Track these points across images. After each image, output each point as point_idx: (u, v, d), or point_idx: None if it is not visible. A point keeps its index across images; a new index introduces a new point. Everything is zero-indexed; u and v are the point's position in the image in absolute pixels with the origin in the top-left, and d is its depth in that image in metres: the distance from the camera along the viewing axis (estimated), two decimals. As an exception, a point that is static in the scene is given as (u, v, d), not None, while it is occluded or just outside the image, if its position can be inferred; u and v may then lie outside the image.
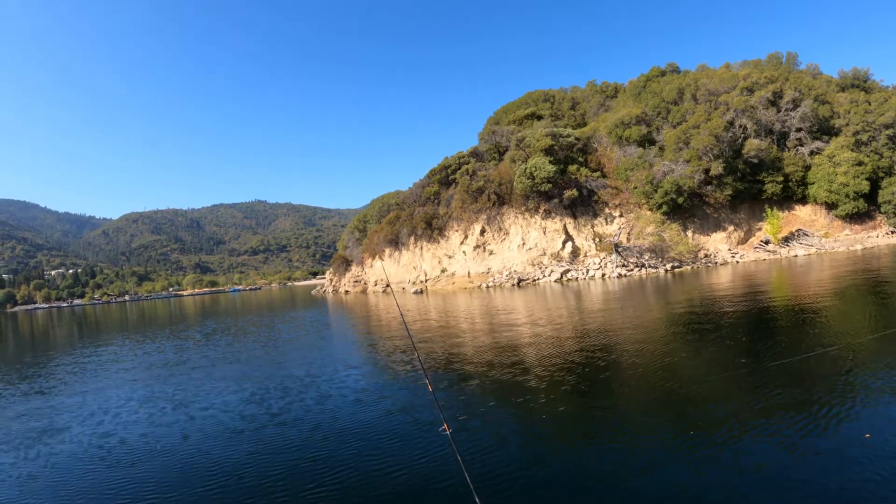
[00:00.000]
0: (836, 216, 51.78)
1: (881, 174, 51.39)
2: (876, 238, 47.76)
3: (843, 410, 7.63)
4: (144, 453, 9.14)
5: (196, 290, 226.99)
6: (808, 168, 52.44)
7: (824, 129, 55.23)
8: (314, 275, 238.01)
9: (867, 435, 6.69)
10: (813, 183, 51.89)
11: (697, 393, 9.47)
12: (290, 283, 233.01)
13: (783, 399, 8.38)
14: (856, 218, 51.48)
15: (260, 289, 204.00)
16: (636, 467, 6.62)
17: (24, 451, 10.00)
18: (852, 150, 51.06)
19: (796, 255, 45.42)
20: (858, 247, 44.97)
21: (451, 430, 4.85)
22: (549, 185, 51.86)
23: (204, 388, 14.10)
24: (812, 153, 52.93)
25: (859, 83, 64.02)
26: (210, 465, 8.22)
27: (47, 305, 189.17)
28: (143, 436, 10.17)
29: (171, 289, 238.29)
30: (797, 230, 50.52)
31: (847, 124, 54.68)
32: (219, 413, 11.38)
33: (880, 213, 51.93)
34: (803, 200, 53.56)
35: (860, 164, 50.00)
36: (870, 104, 55.74)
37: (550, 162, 52.16)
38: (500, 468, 6.97)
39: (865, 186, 49.47)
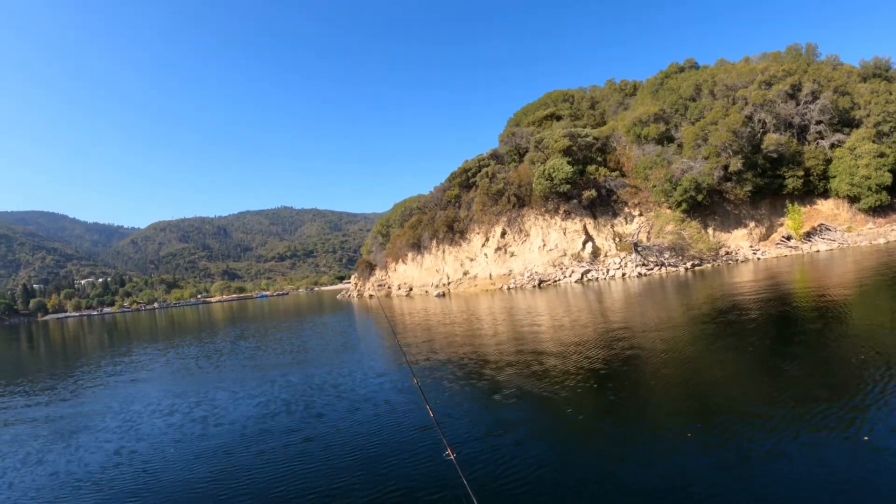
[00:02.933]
0: (859, 209, 51.33)
1: (904, 165, 50.84)
2: (900, 230, 47.31)
3: (862, 413, 7.46)
4: (159, 466, 9.22)
5: (224, 297, 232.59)
6: (828, 161, 52.08)
7: (845, 121, 54.68)
8: (341, 279, 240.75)
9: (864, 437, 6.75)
10: (834, 176, 51.54)
11: (731, 400, 9.11)
12: (316, 288, 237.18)
13: (818, 406, 8.11)
14: (879, 211, 50.97)
15: (287, 294, 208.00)
16: (677, 498, 5.98)
17: (37, 466, 10.13)
18: (874, 142, 50.54)
19: (818, 251, 45.37)
20: (882, 240, 44.76)
21: (455, 454, 4.54)
22: (568, 186, 52.57)
23: (224, 401, 13.93)
24: (833, 146, 52.54)
25: (881, 73, 63.12)
26: (219, 483, 8.11)
27: (78, 314, 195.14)
28: (156, 448, 10.27)
29: (199, 296, 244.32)
30: (819, 225, 50.31)
31: (868, 115, 54.06)
32: (239, 427, 11.25)
33: (904, 204, 51.44)
34: (825, 194, 53.20)
35: (882, 155, 49.53)
36: (891, 94, 55.07)
37: (569, 163, 52.86)
38: (516, 497, 6.48)
39: (888, 178, 49.03)
